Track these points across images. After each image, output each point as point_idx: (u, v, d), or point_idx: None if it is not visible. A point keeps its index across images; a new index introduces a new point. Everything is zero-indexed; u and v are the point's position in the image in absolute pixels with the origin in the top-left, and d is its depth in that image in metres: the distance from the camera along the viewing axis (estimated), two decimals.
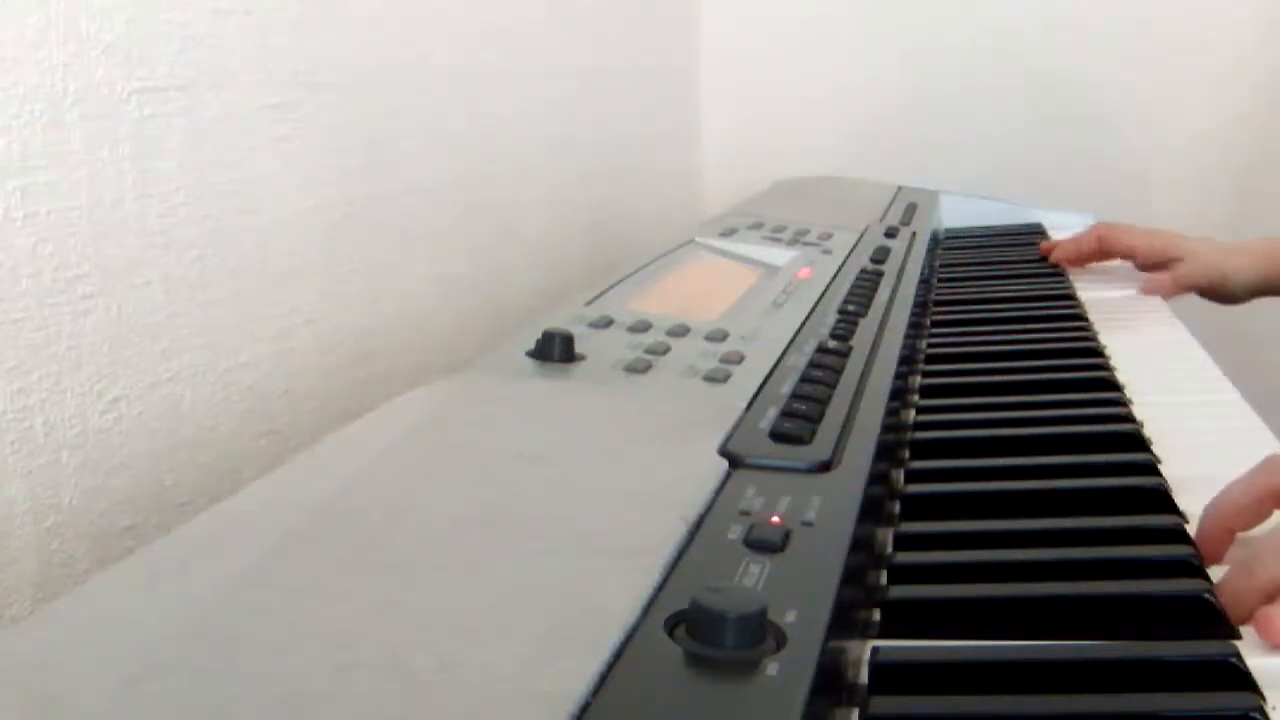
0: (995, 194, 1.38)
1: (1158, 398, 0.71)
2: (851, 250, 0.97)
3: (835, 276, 0.86)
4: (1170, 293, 1.03)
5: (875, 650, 0.42)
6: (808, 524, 0.42)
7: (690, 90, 1.69)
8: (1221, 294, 1.04)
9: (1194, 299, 1.06)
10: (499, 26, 1.04)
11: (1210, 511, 0.50)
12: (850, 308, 0.76)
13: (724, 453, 0.49)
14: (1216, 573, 0.47)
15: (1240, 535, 0.50)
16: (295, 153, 0.75)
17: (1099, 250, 1.10)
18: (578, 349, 0.61)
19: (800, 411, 0.54)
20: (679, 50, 1.65)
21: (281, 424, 0.74)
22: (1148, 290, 1.03)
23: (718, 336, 0.66)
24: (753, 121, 1.71)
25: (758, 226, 1.04)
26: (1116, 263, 1.13)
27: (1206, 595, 0.44)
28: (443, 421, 0.51)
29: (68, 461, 0.58)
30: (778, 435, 0.51)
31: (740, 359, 0.62)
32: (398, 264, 0.88)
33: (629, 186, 1.40)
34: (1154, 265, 1.07)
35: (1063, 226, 1.25)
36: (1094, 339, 0.83)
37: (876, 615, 0.45)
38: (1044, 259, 1.12)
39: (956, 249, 1.20)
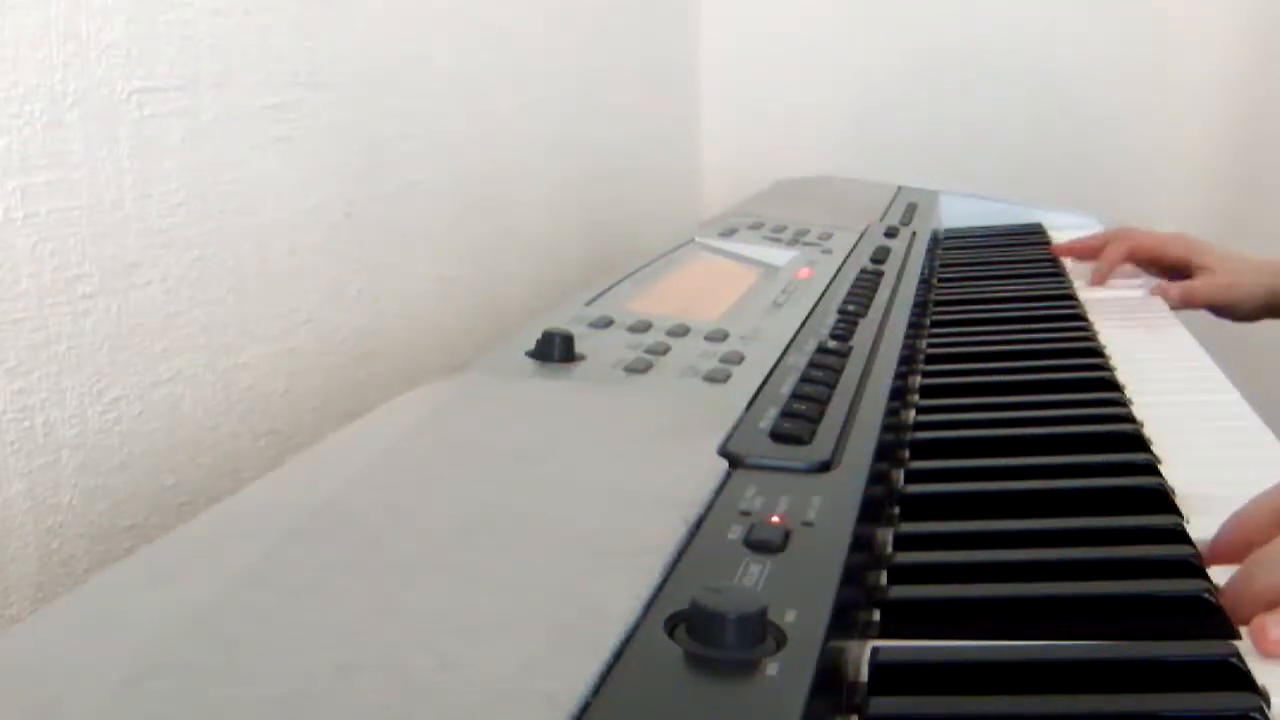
0: (995, 194, 1.38)
1: (1158, 398, 0.71)
2: (851, 250, 0.97)
3: (835, 276, 0.86)
4: (1176, 305, 1.02)
5: (875, 650, 0.42)
6: (808, 524, 0.42)
7: (690, 90, 1.69)
8: (1230, 314, 1.05)
9: None
10: (499, 26, 1.04)
11: (1233, 523, 0.50)
12: (850, 308, 0.76)
13: (724, 453, 0.49)
14: (1221, 575, 0.47)
15: None
16: (295, 153, 0.75)
17: (1128, 260, 1.09)
18: (578, 349, 0.61)
19: (800, 411, 0.54)
20: (679, 50, 1.65)
21: (281, 424, 0.74)
22: (1156, 291, 1.03)
23: (718, 336, 0.66)
24: (753, 121, 1.71)
25: (758, 226, 1.04)
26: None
27: (1206, 595, 0.44)
28: (443, 421, 0.51)
29: (68, 461, 0.58)
30: (778, 435, 0.51)
31: (740, 359, 0.62)
32: (398, 264, 0.88)
33: (629, 186, 1.40)
34: (1177, 265, 1.07)
35: (1063, 226, 1.25)
36: (1094, 339, 0.83)
37: (876, 615, 0.45)
38: (1043, 260, 1.12)
39: (956, 249, 1.20)
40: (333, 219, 0.79)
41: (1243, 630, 0.43)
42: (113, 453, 0.61)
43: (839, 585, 0.38)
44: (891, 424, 0.60)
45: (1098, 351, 0.79)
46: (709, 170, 1.72)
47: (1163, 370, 0.78)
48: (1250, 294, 1.03)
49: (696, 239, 0.97)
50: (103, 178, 0.59)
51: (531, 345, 0.61)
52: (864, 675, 0.40)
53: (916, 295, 0.87)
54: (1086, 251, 1.11)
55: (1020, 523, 0.53)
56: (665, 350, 0.63)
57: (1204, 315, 1.05)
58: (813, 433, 0.52)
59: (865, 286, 0.83)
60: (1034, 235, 1.25)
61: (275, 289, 0.74)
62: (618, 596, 0.35)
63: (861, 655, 0.42)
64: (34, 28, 0.55)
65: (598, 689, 0.31)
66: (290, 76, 0.74)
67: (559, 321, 0.65)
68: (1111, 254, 1.08)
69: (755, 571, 0.38)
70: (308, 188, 0.76)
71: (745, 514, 0.43)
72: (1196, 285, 1.04)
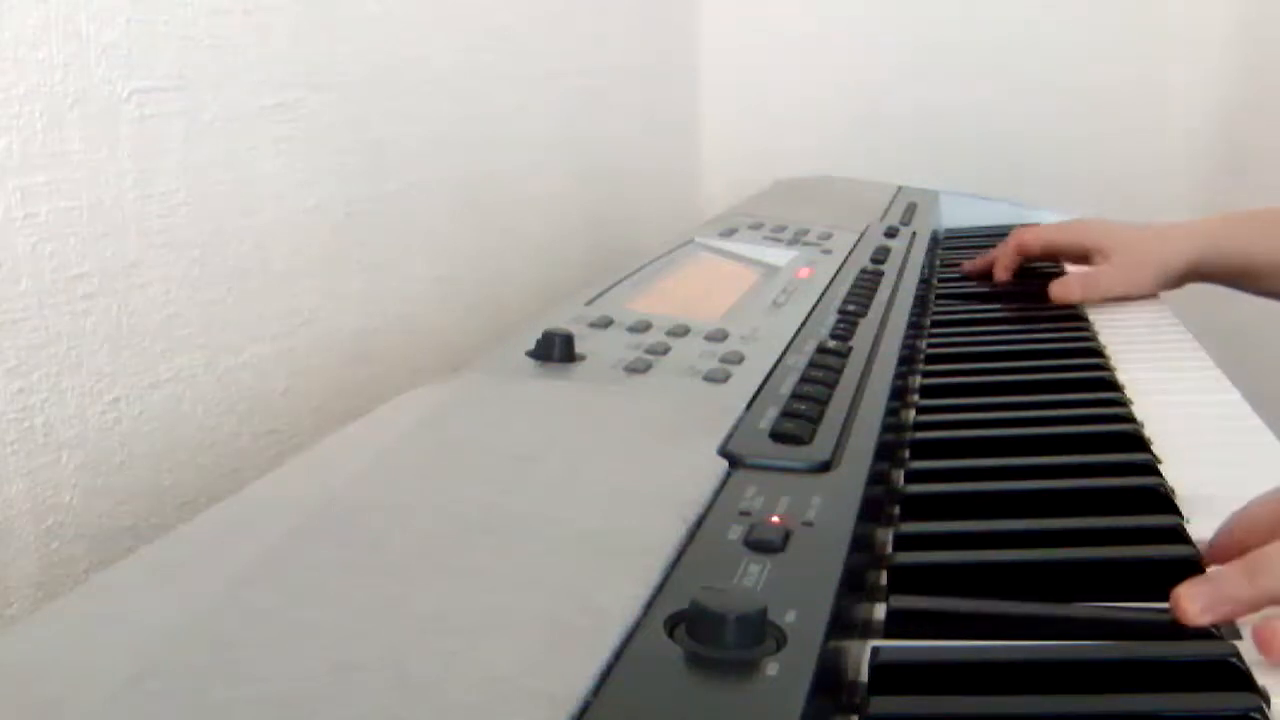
0: (995, 194, 1.38)
1: (1158, 398, 0.71)
2: (851, 250, 0.97)
3: (835, 276, 0.86)
4: (1077, 298, 0.95)
5: (875, 650, 0.42)
6: (808, 524, 0.42)
7: (690, 90, 1.69)
8: (1151, 288, 0.98)
9: (1196, 298, 1.06)
10: (499, 26, 1.04)
11: (1228, 526, 0.49)
12: (850, 308, 0.76)
13: (724, 453, 0.49)
14: None
15: None
16: (295, 153, 0.75)
17: (1022, 258, 1.04)
18: (578, 349, 0.61)
19: (800, 411, 0.54)
20: (679, 49, 1.65)
21: (281, 424, 0.74)
22: (1056, 296, 0.95)
23: (718, 336, 0.66)
24: (753, 121, 1.71)
25: (758, 226, 1.04)
26: None
27: None
28: (443, 421, 0.51)
29: (68, 461, 0.58)
30: (778, 435, 0.51)
31: (740, 359, 0.62)
32: (398, 264, 0.88)
33: (629, 186, 1.40)
34: (1083, 259, 1.02)
35: None
36: (1094, 339, 0.83)
37: (877, 615, 0.45)
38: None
39: (956, 249, 1.20)
40: (333, 219, 0.79)
41: (1244, 632, 0.43)
42: (113, 453, 0.61)
43: (839, 585, 0.38)
44: (891, 424, 0.60)
45: (1098, 351, 0.79)
46: (709, 170, 1.72)
47: (1163, 370, 0.78)
48: (1155, 279, 0.96)
49: (696, 239, 0.97)
50: (103, 178, 0.59)
51: (531, 345, 0.61)
52: (864, 675, 0.41)
53: (916, 295, 0.87)
54: (988, 266, 1.05)
55: (1020, 523, 0.53)
56: (665, 350, 0.63)
57: (1203, 313, 1.05)
58: (813, 433, 0.52)
59: (865, 286, 0.83)
60: None
61: (275, 289, 0.74)
62: (618, 596, 0.35)
63: (861, 655, 0.42)
64: (34, 28, 0.55)
65: (598, 689, 0.31)
66: (290, 76, 0.74)
67: (559, 321, 0.65)
68: (1004, 259, 1.03)
69: (755, 571, 0.38)
70: (308, 188, 0.76)
71: (745, 514, 0.43)
72: (1100, 274, 0.96)
